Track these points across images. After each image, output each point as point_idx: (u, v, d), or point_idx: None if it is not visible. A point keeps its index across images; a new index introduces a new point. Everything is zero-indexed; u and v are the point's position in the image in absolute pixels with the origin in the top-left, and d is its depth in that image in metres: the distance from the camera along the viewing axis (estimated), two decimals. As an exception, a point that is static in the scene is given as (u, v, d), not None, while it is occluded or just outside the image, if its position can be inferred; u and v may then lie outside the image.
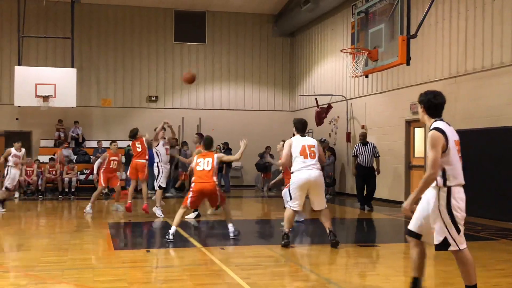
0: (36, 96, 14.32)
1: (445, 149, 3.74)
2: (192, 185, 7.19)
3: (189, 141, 15.36)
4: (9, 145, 12.22)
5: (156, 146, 9.54)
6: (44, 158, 15.17)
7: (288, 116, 18.48)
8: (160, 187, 9.56)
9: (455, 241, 3.74)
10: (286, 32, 18.54)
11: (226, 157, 7.66)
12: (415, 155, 11.82)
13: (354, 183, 12.23)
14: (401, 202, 3.99)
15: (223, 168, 14.52)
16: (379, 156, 11.30)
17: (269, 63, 18.67)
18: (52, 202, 13.04)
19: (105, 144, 16.04)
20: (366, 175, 11.17)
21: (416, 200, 3.83)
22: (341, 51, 11.35)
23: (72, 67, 15.07)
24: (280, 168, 8.09)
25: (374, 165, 11.26)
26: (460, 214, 3.75)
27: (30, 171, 14.05)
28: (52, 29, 16.42)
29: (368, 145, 11.24)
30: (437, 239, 3.76)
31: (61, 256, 6.05)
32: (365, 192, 11.38)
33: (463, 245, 3.79)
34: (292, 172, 6.55)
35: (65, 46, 16.03)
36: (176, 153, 11.28)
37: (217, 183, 7.25)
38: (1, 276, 5.13)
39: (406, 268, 5.90)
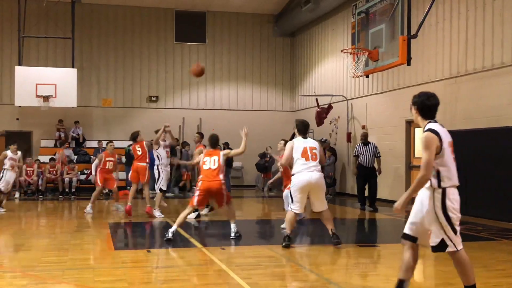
0: (37, 96, 14.33)
1: (439, 151, 3.74)
2: (199, 183, 7.21)
3: (189, 141, 15.38)
4: (10, 145, 12.21)
5: (157, 149, 9.58)
6: (45, 158, 15.17)
7: (289, 116, 18.48)
8: (160, 190, 9.58)
9: (452, 242, 3.74)
10: (287, 32, 18.54)
11: (232, 152, 7.54)
12: (416, 155, 11.82)
13: (355, 183, 12.23)
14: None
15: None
16: (380, 156, 11.29)
17: (269, 63, 18.67)
18: (52, 202, 13.04)
19: (105, 144, 16.04)
20: (367, 175, 11.16)
21: (408, 201, 3.81)
22: (341, 51, 11.35)
23: (73, 67, 15.08)
24: (279, 165, 8.08)
25: (375, 165, 11.25)
26: (455, 215, 3.76)
27: (31, 171, 14.06)
28: (52, 29, 16.43)
29: (370, 145, 11.23)
30: (434, 240, 3.76)
31: (62, 256, 6.05)
32: (366, 193, 11.37)
33: (460, 246, 3.79)
34: (293, 174, 6.55)
35: (65, 46, 16.04)
36: (176, 160, 11.24)
37: (223, 181, 7.22)
38: (2, 276, 5.13)
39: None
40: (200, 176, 7.25)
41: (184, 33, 18.03)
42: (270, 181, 9.07)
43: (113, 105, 17.53)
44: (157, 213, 9.58)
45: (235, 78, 18.41)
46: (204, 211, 9.56)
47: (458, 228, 3.77)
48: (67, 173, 14.16)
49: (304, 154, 6.46)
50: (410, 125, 12.00)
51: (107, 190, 14.04)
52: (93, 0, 17.02)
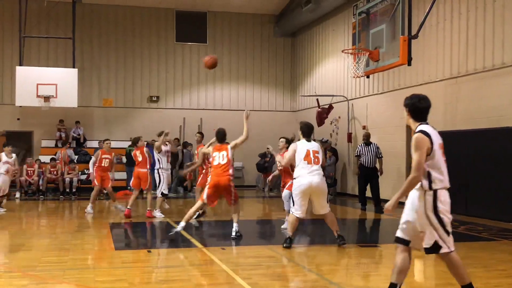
0: (38, 96, 14.33)
1: (430, 152, 3.75)
2: (209, 179, 7.24)
3: (189, 141, 15.38)
4: (11, 145, 12.18)
5: (159, 153, 9.60)
6: (45, 158, 15.18)
7: (289, 116, 18.49)
8: (162, 194, 9.60)
9: (446, 244, 3.74)
10: (287, 33, 18.54)
11: (237, 141, 7.42)
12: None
13: (355, 184, 12.24)
14: (403, 203, 3.98)
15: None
16: (382, 156, 11.28)
17: (270, 63, 18.67)
18: (53, 202, 13.04)
19: (102, 141, 16.05)
20: (369, 175, 11.14)
21: (398, 202, 3.81)
22: (342, 51, 11.34)
23: (74, 67, 15.08)
24: (278, 160, 8.07)
25: (377, 165, 11.23)
26: (446, 217, 3.76)
27: (31, 171, 14.07)
28: (53, 29, 16.44)
29: (371, 145, 11.21)
30: (427, 242, 3.76)
31: (62, 256, 6.05)
32: (367, 193, 11.36)
33: (453, 247, 3.79)
34: (295, 178, 6.53)
35: (66, 46, 16.05)
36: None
37: (233, 178, 7.23)
38: (2, 276, 5.13)
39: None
40: (211, 171, 7.30)
41: (184, 33, 18.03)
42: (269, 177, 9.04)
43: (114, 105, 17.54)
44: (157, 213, 9.59)
45: (235, 78, 18.41)
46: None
47: (450, 230, 3.78)
48: (68, 173, 14.17)
49: (307, 157, 6.45)
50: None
51: (106, 191, 14.09)
52: (93, 0, 17.03)
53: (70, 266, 5.61)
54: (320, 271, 5.52)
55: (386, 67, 9.06)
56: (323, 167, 6.87)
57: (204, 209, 9.64)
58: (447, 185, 3.82)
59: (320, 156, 6.59)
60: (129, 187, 15.00)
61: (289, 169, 8.21)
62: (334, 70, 15.58)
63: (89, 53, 17.31)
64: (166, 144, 9.81)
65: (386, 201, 3.94)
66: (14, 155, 11.08)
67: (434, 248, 3.75)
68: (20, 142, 17.36)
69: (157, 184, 9.67)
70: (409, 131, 12.09)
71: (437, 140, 3.82)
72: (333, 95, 14.78)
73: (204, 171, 9.57)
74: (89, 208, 10.25)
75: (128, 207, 9.56)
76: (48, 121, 16.47)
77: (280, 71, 18.76)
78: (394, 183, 12.37)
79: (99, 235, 7.85)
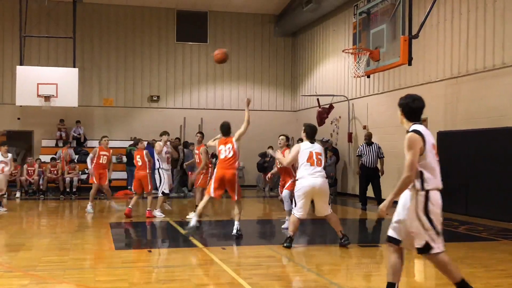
0: (38, 95, 14.33)
1: (422, 152, 3.75)
2: (215, 172, 7.31)
3: (190, 141, 15.36)
4: (12, 144, 12.23)
5: (159, 154, 9.61)
6: (46, 158, 15.18)
7: (290, 116, 18.49)
8: (163, 193, 9.60)
9: (436, 244, 3.74)
10: (288, 32, 18.54)
11: (240, 131, 7.41)
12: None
13: (356, 183, 12.23)
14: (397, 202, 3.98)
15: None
16: (383, 157, 11.25)
17: (271, 63, 18.67)
18: (53, 202, 13.05)
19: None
20: (370, 175, 11.12)
21: (392, 203, 3.80)
22: (343, 51, 11.35)
23: (74, 66, 15.08)
24: (277, 157, 8.09)
25: (379, 165, 11.20)
26: (437, 218, 3.76)
27: (32, 171, 14.07)
28: (54, 28, 16.44)
29: (373, 145, 11.19)
30: (418, 243, 3.76)
31: (63, 256, 6.05)
32: (367, 193, 11.35)
33: (443, 248, 3.79)
34: (297, 179, 6.53)
35: (67, 45, 16.06)
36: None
37: (238, 172, 7.26)
38: (2, 276, 5.13)
39: (409, 268, 5.90)
40: (217, 164, 7.35)
41: (185, 33, 18.03)
42: (268, 175, 9.01)
43: (114, 105, 17.55)
44: (158, 213, 9.59)
45: (236, 78, 18.41)
46: (192, 215, 9.47)
47: (440, 230, 3.78)
48: (68, 173, 14.17)
49: (309, 159, 6.45)
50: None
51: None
52: (94, 0, 17.04)
53: (70, 265, 5.61)
54: (320, 271, 5.52)
55: (386, 67, 9.06)
56: (324, 168, 6.87)
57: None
58: (440, 185, 3.81)
59: (323, 158, 6.63)
60: (129, 187, 15.02)
61: (290, 169, 8.22)
62: (334, 70, 15.57)
63: (90, 52, 17.31)
64: (167, 145, 9.83)
65: (382, 200, 3.93)
66: (10, 154, 11.05)
67: (426, 249, 3.75)
68: (21, 142, 17.41)
69: (158, 184, 9.69)
70: (409, 131, 12.11)
71: (430, 140, 3.83)
72: (333, 95, 14.77)
73: (204, 171, 9.59)
74: (89, 208, 10.26)
75: (129, 206, 9.58)
76: (49, 120, 16.48)
77: (280, 70, 18.76)
78: (395, 183, 12.33)
79: (99, 235, 7.85)
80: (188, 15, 18.03)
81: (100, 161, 10.41)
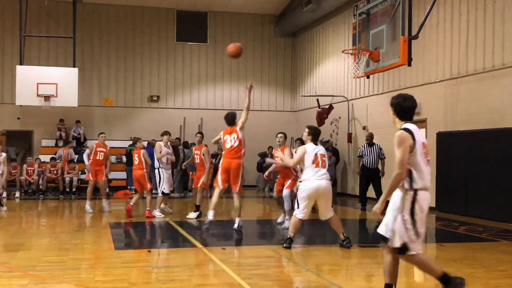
0: (38, 95, 14.33)
1: (412, 150, 3.76)
2: (221, 162, 7.36)
3: (190, 141, 15.36)
4: (11, 144, 12.25)
5: (159, 157, 9.63)
6: (45, 158, 15.18)
7: (290, 116, 18.49)
8: (163, 193, 9.60)
9: (414, 245, 3.74)
10: (288, 33, 18.54)
11: (242, 119, 7.43)
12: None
13: (356, 184, 12.22)
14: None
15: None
16: (384, 158, 11.20)
17: (270, 63, 18.67)
18: (53, 202, 13.04)
19: (107, 143, 16.03)
20: (371, 176, 11.09)
21: (385, 203, 3.81)
22: (342, 51, 11.35)
23: (74, 66, 15.08)
24: (277, 158, 8.10)
25: (379, 166, 11.19)
26: (421, 219, 3.76)
27: (31, 171, 14.07)
28: (54, 28, 16.44)
29: (374, 146, 11.16)
30: (397, 242, 3.76)
31: (62, 256, 6.05)
32: (367, 194, 11.34)
33: (420, 250, 3.79)
34: (301, 181, 6.51)
35: (66, 45, 16.06)
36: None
37: (242, 161, 7.29)
38: (2, 276, 5.13)
39: (408, 268, 5.90)
40: (223, 153, 7.39)
41: (185, 33, 18.03)
42: (265, 173, 8.98)
43: (114, 105, 17.54)
44: (157, 213, 9.59)
45: (236, 78, 18.41)
46: (193, 215, 9.53)
47: (421, 231, 3.77)
48: (68, 173, 14.16)
49: (315, 160, 6.46)
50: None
51: (107, 190, 14.05)
52: (94, 0, 17.05)
53: (70, 265, 5.61)
54: (320, 271, 5.53)
55: (386, 67, 9.06)
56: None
57: (201, 210, 9.66)
58: (427, 185, 3.81)
59: (327, 160, 6.65)
60: (129, 187, 15.02)
61: (291, 170, 8.22)
62: (334, 70, 15.58)
63: (90, 52, 17.31)
64: (168, 146, 9.84)
65: (388, 202, 3.93)
66: (4, 154, 11.02)
67: (402, 249, 3.75)
68: (20, 141, 17.42)
69: (157, 184, 9.70)
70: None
71: (420, 139, 3.83)
72: (333, 95, 14.78)
73: (205, 171, 9.59)
74: (88, 207, 10.23)
75: (131, 203, 9.60)
76: (48, 120, 16.48)
77: (280, 71, 18.76)
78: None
79: (99, 235, 7.85)
80: (188, 15, 18.03)
81: (97, 157, 10.36)
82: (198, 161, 9.71)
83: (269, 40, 18.64)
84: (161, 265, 5.98)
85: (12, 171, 14.08)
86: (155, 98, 17.82)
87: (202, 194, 9.90)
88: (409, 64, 8.54)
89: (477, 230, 8.34)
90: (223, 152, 7.48)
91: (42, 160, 14.97)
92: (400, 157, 3.72)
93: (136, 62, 17.78)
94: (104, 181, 10.63)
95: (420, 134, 3.87)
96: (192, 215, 9.56)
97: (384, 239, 3.86)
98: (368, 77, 10.63)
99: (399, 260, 3.92)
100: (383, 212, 3.88)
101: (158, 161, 9.63)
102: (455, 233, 8.23)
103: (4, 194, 13.18)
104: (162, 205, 9.76)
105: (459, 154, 10.20)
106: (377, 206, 3.80)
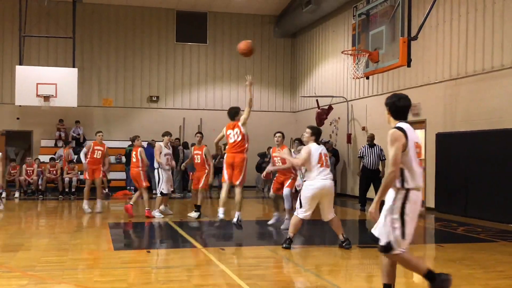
0: (37, 95, 14.33)
1: (404, 149, 3.76)
2: (225, 157, 7.39)
3: (189, 142, 15.37)
4: (11, 144, 12.25)
5: (158, 160, 9.64)
6: (45, 158, 15.17)
7: (289, 117, 18.50)
8: (161, 193, 9.60)
9: (398, 245, 3.74)
10: (288, 33, 18.55)
11: (244, 116, 7.40)
12: (416, 157, 11.82)
13: (355, 184, 12.21)
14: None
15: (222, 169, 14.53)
16: (385, 159, 11.17)
17: (270, 64, 18.68)
18: (52, 202, 13.03)
19: (106, 144, 15.96)
20: (371, 177, 11.06)
21: (379, 202, 3.80)
22: (342, 52, 11.36)
23: (74, 66, 15.08)
24: (274, 159, 8.08)
25: (380, 167, 11.17)
26: (411, 219, 3.75)
27: (31, 171, 14.06)
28: (53, 28, 16.44)
29: (375, 147, 11.14)
30: (382, 240, 3.77)
31: (61, 256, 6.05)
32: (367, 194, 11.34)
33: (404, 249, 3.78)
34: (306, 180, 6.48)
35: (66, 45, 16.05)
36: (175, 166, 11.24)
37: (246, 151, 7.30)
38: (1, 276, 5.13)
39: (407, 269, 5.91)
40: (227, 148, 7.42)
41: (185, 34, 18.04)
42: (263, 174, 8.95)
43: (113, 105, 17.54)
44: (156, 213, 9.59)
45: (235, 79, 18.42)
46: (194, 215, 9.57)
47: (408, 232, 3.76)
48: (67, 173, 14.16)
49: (320, 160, 6.46)
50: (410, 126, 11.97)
51: (107, 190, 14.07)
52: (94, 0, 17.05)
53: (69, 266, 5.61)
54: (319, 272, 5.53)
55: (385, 68, 9.07)
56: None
57: (201, 211, 9.67)
58: (420, 185, 3.81)
59: (329, 160, 6.66)
60: (128, 187, 15.02)
61: (291, 170, 8.22)
62: (334, 71, 15.59)
63: (89, 52, 17.31)
64: (168, 147, 9.85)
65: (381, 202, 3.93)
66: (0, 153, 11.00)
67: (386, 248, 3.75)
68: (20, 142, 17.41)
69: (156, 184, 9.70)
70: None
71: (413, 138, 3.83)
72: (332, 96, 14.79)
73: (206, 171, 9.60)
74: (86, 207, 10.19)
75: (130, 202, 9.60)
76: (48, 120, 16.47)
77: (280, 71, 18.77)
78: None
79: (98, 235, 7.84)
80: (187, 16, 18.04)
81: (95, 156, 10.29)
82: (199, 161, 9.69)
83: (269, 41, 18.65)
84: (160, 265, 5.99)
85: (12, 171, 14.09)
86: (155, 99, 17.82)
87: (203, 194, 9.90)
88: (409, 65, 8.55)
89: (476, 230, 8.35)
90: (227, 147, 7.49)
91: (41, 160, 14.96)
92: (393, 155, 3.73)
93: (136, 62, 17.78)
94: (101, 179, 10.59)
95: (413, 133, 3.88)
96: (193, 214, 9.59)
97: (377, 239, 3.87)
98: (367, 78, 10.65)
99: (396, 261, 3.92)
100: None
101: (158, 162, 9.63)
102: (454, 234, 8.24)
103: (4, 194, 13.19)
104: (162, 207, 9.75)
105: (459, 154, 10.20)
106: (372, 206, 3.80)
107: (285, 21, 17.90)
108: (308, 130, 6.69)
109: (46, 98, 14.34)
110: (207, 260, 6.02)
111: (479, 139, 9.70)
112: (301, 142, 9.90)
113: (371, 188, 11.27)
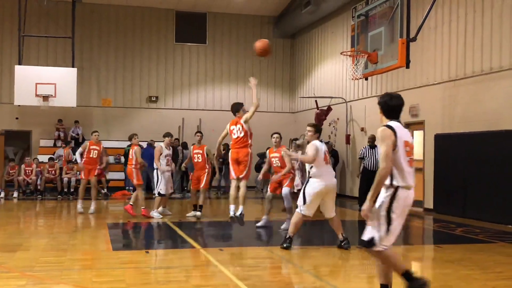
0: (36, 95, 14.32)
1: (394, 148, 3.76)
2: (230, 153, 7.41)
3: (189, 142, 15.37)
4: (10, 144, 12.23)
5: (157, 160, 9.65)
6: (44, 158, 15.16)
7: (288, 117, 18.51)
8: (159, 194, 9.60)
9: (381, 242, 3.74)
10: (287, 34, 18.56)
11: (247, 115, 7.43)
12: (414, 158, 11.83)
13: (354, 185, 12.20)
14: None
15: (222, 168, 14.53)
16: None
17: (269, 64, 18.68)
18: (51, 202, 13.02)
19: (105, 144, 15.97)
20: (371, 178, 11.00)
21: (374, 200, 3.79)
22: (341, 53, 11.37)
23: (73, 66, 15.08)
24: (271, 160, 8.06)
25: None
26: (397, 216, 3.74)
27: (29, 171, 14.05)
28: (53, 28, 16.43)
29: (376, 148, 11.15)
30: (366, 235, 3.77)
31: (60, 257, 6.06)
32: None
33: (386, 246, 3.77)
34: (312, 177, 6.41)
35: (65, 45, 16.04)
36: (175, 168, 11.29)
37: (251, 146, 7.31)
38: (0, 277, 5.13)
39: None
40: (230, 146, 7.46)
41: (184, 34, 18.05)
42: (260, 176, 8.94)
43: (112, 105, 17.54)
44: (155, 214, 9.59)
45: (235, 79, 18.43)
46: (197, 214, 9.58)
47: (393, 229, 3.75)
48: (66, 173, 14.15)
49: (325, 158, 6.48)
50: (409, 127, 12.00)
51: (105, 190, 14.07)
52: (93, 0, 17.05)
53: (68, 266, 5.61)
54: (318, 272, 5.53)
55: (384, 69, 9.10)
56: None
57: (201, 210, 9.67)
58: (410, 183, 3.79)
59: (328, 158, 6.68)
60: (127, 188, 15.01)
61: (292, 171, 8.22)
62: (332, 72, 15.60)
63: (89, 52, 17.30)
64: (169, 148, 9.85)
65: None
66: None
67: (369, 244, 3.75)
68: (19, 141, 17.40)
69: (155, 184, 9.71)
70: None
71: (403, 137, 3.82)
72: (331, 97, 14.80)
73: (206, 170, 9.59)
74: (79, 206, 10.14)
75: (130, 203, 9.61)
76: (47, 120, 16.46)
77: (279, 72, 18.78)
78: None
79: (97, 235, 7.84)
80: (187, 16, 18.05)
81: (91, 155, 10.26)
82: (200, 160, 9.65)
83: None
84: (159, 266, 5.99)
85: (10, 171, 14.07)
86: (154, 99, 17.82)
87: (205, 194, 9.90)
88: (407, 66, 8.57)
89: (474, 231, 8.36)
90: (231, 143, 7.52)
91: (40, 160, 14.95)
92: (384, 151, 3.73)
93: (135, 62, 17.78)
94: (96, 179, 10.56)
95: (403, 132, 3.86)
96: (197, 214, 9.58)
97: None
98: (366, 79, 10.68)
99: None
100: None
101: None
102: (452, 235, 8.25)
103: (2, 194, 13.18)
104: (161, 209, 9.75)
105: (457, 156, 10.22)
106: (366, 204, 3.78)
107: (285, 22, 17.91)
108: (310, 128, 6.65)
109: (45, 98, 14.33)
110: (205, 261, 6.02)
111: (477, 140, 9.72)
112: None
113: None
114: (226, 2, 17.46)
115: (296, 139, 9.74)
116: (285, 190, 8.28)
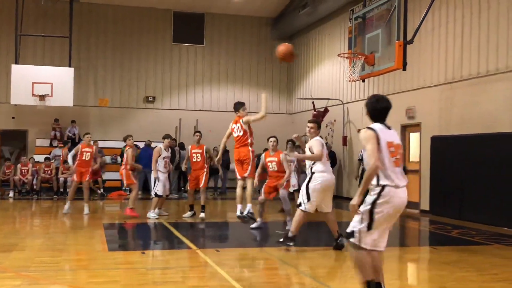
0: (33, 95, 14.27)
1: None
2: (235, 153, 7.45)
3: (185, 142, 15.35)
4: (6, 144, 12.17)
5: (155, 161, 9.63)
6: (40, 157, 15.11)
7: (286, 119, 18.52)
8: (156, 194, 9.58)
9: (359, 236, 3.77)
10: (284, 36, 18.56)
11: (250, 118, 7.45)
12: (411, 160, 11.87)
13: (350, 186, 12.21)
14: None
15: (219, 170, 14.53)
16: None
17: (266, 65, 18.70)
18: (46, 202, 12.98)
19: (102, 144, 16.00)
20: None
21: (362, 196, 3.82)
22: (338, 55, 11.39)
23: (70, 66, 15.04)
24: (267, 164, 8.07)
25: None
26: (382, 215, 3.74)
27: (25, 170, 14.00)
28: (50, 27, 16.39)
29: None
30: (350, 226, 3.84)
31: (55, 257, 6.04)
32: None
33: (367, 246, 3.78)
34: (316, 172, 6.38)
35: (62, 45, 16.00)
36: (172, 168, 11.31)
37: (252, 144, 7.32)
38: (-5, 276, 5.11)
39: (402, 271, 5.93)
40: (234, 145, 7.48)
41: (182, 34, 18.04)
42: (255, 181, 8.88)
43: (109, 105, 17.50)
44: (152, 214, 9.57)
45: (232, 80, 18.43)
46: (188, 214, 9.58)
47: (376, 227, 3.75)
48: (62, 173, 14.11)
49: (327, 155, 6.53)
50: (405, 129, 12.05)
51: (101, 190, 14.04)
52: None
53: (63, 266, 5.60)
54: (315, 274, 5.54)
55: (381, 71, 9.11)
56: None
57: (194, 211, 9.67)
58: (397, 183, 3.78)
59: None
60: (123, 188, 14.98)
61: (285, 171, 8.22)
62: (330, 74, 15.63)
63: (86, 52, 17.27)
64: (167, 150, 9.84)
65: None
66: None
67: (349, 235, 3.84)
68: (15, 141, 17.33)
69: (152, 185, 9.70)
70: (403, 136, 12.17)
71: (386, 138, 3.83)
72: (328, 99, 14.83)
73: (205, 169, 9.59)
74: (66, 207, 10.06)
75: (129, 206, 9.59)
76: (43, 120, 16.41)
77: (276, 73, 18.80)
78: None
79: (93, 236, 7.82)
80: (185, 17, 18.04)
81: (83, 158, 10.22)
82: (199, 160, 9.62)
83: (266, 43, 18.67)
84: (155, 266, 5.97)
85: (6, 171, 14.02)
86: (151, 99, 17.80)
87: (205, 194, 9.88)
88: (404, 69, 8.58)
89: (470, 233, 8.39)
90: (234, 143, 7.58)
91: (36, 160, 14.90)
92: (369, 149, 3.74)
93: (133, 62, 17.76)
94: (89, 182, 10.50)
95: (387, 133, 3.87)
96: (188, 214, 9.59)
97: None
98: (363, 81, 10.68)
99: (381, 258, 3.92)
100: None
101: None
102: (448, 237, 8.27)
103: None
104: (157, 210, 9.73)
105: (453, 158, 10.26)
106: (354, 199, 3.80)
107: (282, 24, 17.93)
108: (312, 124, 6.60)
109: (42, 97, 14.28)
110: (202, 262, 6.01)
111: (474, 142, 9.76)
112: (293, 144, 9.92)
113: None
114: (224, 3, 17.47)
115: (291, 140, 9.75)
116: (282, 192, 8.27)
